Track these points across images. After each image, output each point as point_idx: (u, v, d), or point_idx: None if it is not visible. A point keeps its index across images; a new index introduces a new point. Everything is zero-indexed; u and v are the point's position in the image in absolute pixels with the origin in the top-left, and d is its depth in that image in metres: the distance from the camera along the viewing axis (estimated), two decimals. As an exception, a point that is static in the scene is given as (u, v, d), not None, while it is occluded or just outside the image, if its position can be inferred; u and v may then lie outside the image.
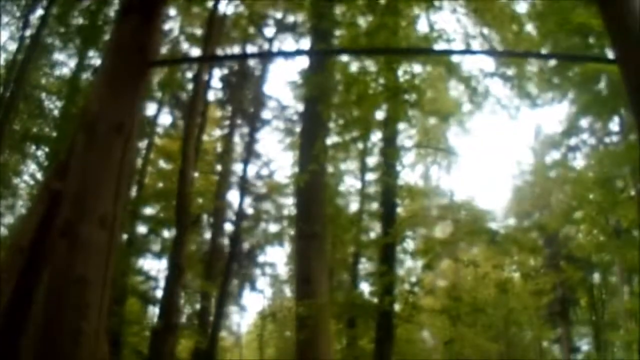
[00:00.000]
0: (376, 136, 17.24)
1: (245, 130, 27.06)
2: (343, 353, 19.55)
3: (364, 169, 20.27)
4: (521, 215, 28.24)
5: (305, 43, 15.83)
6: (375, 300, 14.30)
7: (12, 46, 18.55)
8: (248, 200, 26.81)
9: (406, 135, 18.48)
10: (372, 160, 19.44)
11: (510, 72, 16.08)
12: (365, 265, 23.67)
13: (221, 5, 17.75)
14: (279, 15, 22.10)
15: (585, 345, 33.04)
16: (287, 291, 35.89)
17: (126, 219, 19.14)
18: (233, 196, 27.53)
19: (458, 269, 29.79)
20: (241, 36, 20.94)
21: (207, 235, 27.40)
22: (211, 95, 22.27)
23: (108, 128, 3.51)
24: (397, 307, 15.25)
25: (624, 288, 28.44)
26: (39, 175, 20.48)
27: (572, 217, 20.53)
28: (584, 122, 26.65)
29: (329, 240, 16.14)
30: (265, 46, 22.00)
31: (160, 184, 24.37)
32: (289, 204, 27.71)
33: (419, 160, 38.83)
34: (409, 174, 37.23)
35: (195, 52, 20.29)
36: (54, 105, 20.55)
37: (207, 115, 20.64)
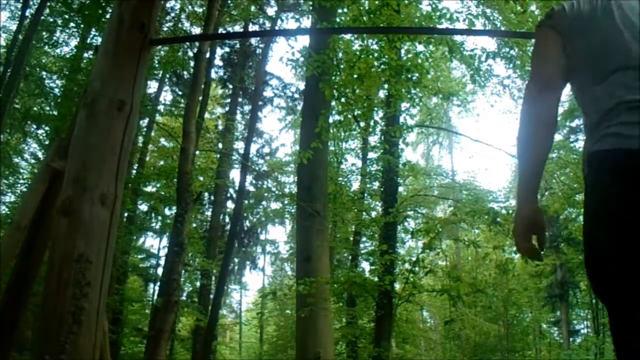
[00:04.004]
0: (378, 115, 17.20)
1: (247, 108, 27.05)
2: (343, 331, 19.66)
3: (365, 147, 20.23)
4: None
5: (307, 21, 15.71)
6: (376, 279, 14.28)
7: (13, 25, 18.50)
8: (249, 178, 26.86)
9: (408, 114, 18.40)
10: (373, 139, 19.40)
11: (513, 52, 15.99)
12: (366, 244, 23.74)
13: (223, -18, 17.60)
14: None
15: (584, 329, 33.19)
16: (288, 269, 36.09)
17: (127, 197, 19.19)
18: (234, 174, 27.64)
19: (459, 250, 29.98)
20: (243, 14, 20.81)
21: (208, 213, 27.50)
22: (213, 74, 22.19)
23: (109, 106, 3.50)
24: (397, 286, 15.27)
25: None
26: (40, 154, 20.52)
27: (573, 200, 20.49)
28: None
29: (330, 219, 16.14)
30: (267, 25, 21.89)
31: (162, 162, 24.37)
32: (290, 182, 27.83)
33: (421, 140, 38.95)
34: (410, 154, 37.36)
35: (197, 30, 20.20)
36: (54, 84, 20.54)
37: (209, 93, 20.59)
